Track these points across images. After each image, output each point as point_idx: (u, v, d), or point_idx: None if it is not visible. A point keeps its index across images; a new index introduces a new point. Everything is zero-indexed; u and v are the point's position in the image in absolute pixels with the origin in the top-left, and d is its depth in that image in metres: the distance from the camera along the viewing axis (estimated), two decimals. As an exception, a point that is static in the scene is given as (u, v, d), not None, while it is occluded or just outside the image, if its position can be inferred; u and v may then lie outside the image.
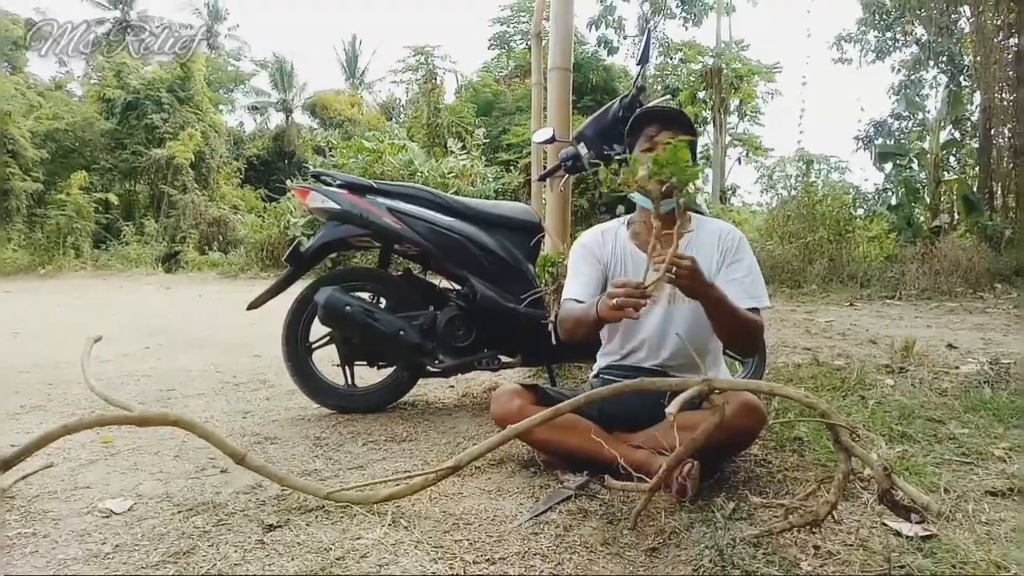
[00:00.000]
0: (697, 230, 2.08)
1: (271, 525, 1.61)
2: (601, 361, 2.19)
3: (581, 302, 1.99)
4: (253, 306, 2.86)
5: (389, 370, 2.88)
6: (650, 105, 2.23)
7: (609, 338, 2.16)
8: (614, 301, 1.68)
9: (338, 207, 2.71)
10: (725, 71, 15.64)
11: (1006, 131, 10.59)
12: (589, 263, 2.13)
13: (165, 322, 6.52)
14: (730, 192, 18.28)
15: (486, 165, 14.34)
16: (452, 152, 13.84)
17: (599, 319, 1.83)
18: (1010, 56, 10.49)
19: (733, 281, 1.98)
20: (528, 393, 2.01)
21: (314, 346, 2.85)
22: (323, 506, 1.72)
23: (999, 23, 10.77)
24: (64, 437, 1.65)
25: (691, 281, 1.72)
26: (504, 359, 2.88)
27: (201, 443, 1.82)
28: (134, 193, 19.20)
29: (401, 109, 24.65)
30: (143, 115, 18.13)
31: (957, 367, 3.42)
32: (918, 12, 12.06)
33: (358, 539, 1.53)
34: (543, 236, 2.98)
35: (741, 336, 1.93)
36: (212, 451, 1.99)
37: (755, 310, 1.96)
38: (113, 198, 17.78)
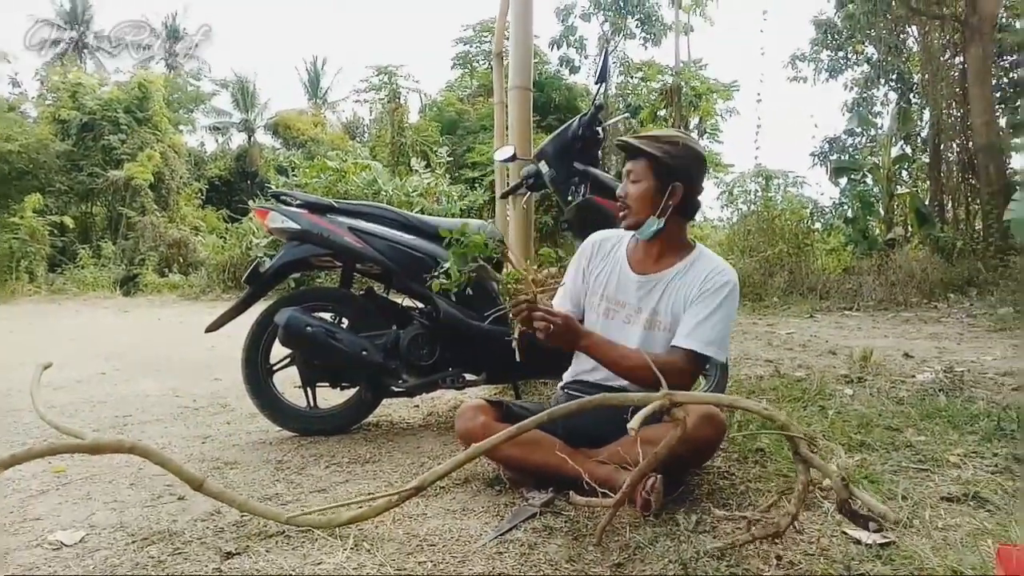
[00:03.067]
0: (694, 261, 2.03)
1: (229, 553, 1.57)
2: (569, 374, 2.20)
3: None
4: (212, 328, 2.81)
5: (352, 391, 2.84)
6: (620, 139, 2.20)
7: (579, 364, 2.18)
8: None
9: (298, 227, 2.69)
10: (684, 89, 15.89)
11: (955, 146, 10.96)
12: (575, 271, 2.18)
13: (122, 346, 6.36)
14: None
15: (451, 183, 14.33)
16: (416, 171, 13.82)
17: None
18: (956, 74, 10.88)
19: (689, 315, 1.94)
20: (492, 409, 2.01)
21: (275, 368, 2.80)
22: (284, 531, 1.68)
23: (945, 42, 11.17)
24: (13, 467, 1.60)
25: (559, 335, 1.85)
26: (469, 377, 2.86)
27: (158, 470, 1.77)
28: (91, 215, 18.75)
29: (365, 128, 24.55)
30: (100, 136, 17.75)
31: (913, 376, 3.50)
32: (868, 32, 12.42)
33: (319, 564, 1.51)
34: (506, 253, 2.98)
35: (634, 380, 1.91)
36: (169, 478, 1.93)
37: (695, 353, 1.90)
38: (69, 221, 17.32)
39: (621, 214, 2.06)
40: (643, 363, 1.77)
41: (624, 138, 2.09)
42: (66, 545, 1.67)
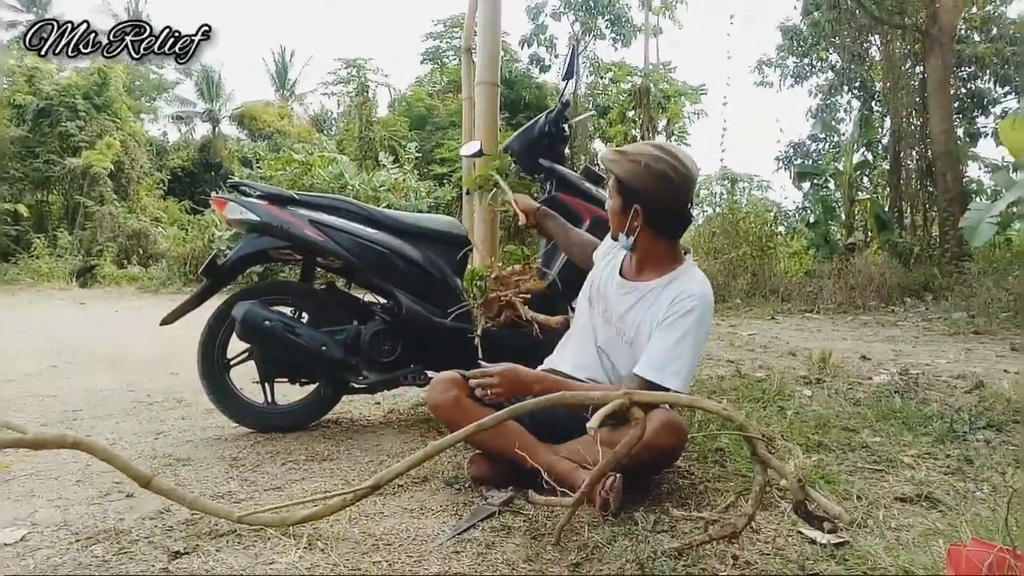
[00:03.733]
0: (672, 279, 1.96)
1: (177, 552, 1.52)
2: (547, 363, 2.19)
3: None
4: (167, 321, 2.73)
5: (311, 387, 2.79)
6: (604, 156, 2.16)
7: (559, 351, 2.19)
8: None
9: (257, 219, 2.62)
10: (653, 91, 16.01)
11: (914, 153, 11.20)
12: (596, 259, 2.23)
13: (76, 339, 6.19)
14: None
15: (419, 179, 14.26)
16: (384, 166, 13.72)
17: None
18: (916, 83, 11.13)
19: (654, 340, 1.89)
20: (466, 384, 1.97)
21: (232, 363, 2.73)
22: (235, 530, 1.64)
23: (906, 52, 11.42)
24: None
25: (506, 392, 1.86)
26: (431, 374, 2.83)
27: (107, 467, 1.71)
28: (46, 204, 18.23)
29: (332, 122, 24.29)
30: (57, 122, 17.22)
31: (870, 378, 3.56)
32: (832, 40, 12.64)
33: (271, 564, 1.47)
34: (471, 249, 2.96)
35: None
36: (119, 475, 1.87)
37: (652, 384, 1.82)
38: (23, 209, 16.84)
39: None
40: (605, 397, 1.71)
41: (606, 150, 2.08)
42: (6, 544, 1.60)
